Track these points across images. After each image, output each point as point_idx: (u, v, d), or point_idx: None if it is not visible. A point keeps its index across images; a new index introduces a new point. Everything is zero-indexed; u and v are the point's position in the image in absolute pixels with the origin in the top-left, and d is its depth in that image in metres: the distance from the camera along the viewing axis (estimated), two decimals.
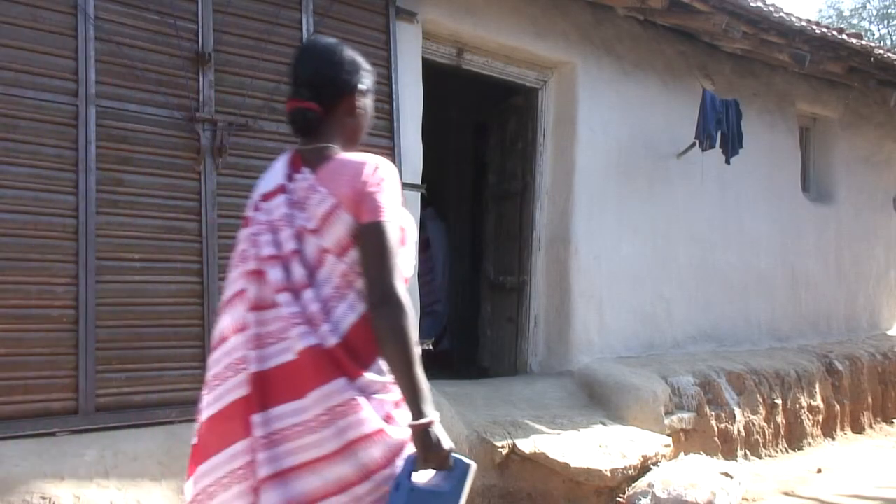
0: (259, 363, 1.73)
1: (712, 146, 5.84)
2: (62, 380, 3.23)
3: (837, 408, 6.56)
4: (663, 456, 4.39)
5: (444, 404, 4.18)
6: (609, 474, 3.98)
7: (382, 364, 1.74)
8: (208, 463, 1.78)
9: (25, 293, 3.18)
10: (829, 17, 24.85)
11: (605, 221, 5.58)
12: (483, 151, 6.53)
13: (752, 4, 5.57)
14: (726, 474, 4.22)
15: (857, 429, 6.75)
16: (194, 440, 1.85)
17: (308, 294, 1.73)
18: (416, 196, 4.53)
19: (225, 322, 1.82)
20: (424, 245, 6.62)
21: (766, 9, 5.73)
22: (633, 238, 5.78)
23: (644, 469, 4.20)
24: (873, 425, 6.94)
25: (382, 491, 1.65)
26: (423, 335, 4.89)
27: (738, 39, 5.90)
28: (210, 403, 1.81)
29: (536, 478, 4.04)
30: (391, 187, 1.79)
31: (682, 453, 4.73)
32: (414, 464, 1.65)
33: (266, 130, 3.84)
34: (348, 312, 1.75)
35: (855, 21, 24.60)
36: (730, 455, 5.37)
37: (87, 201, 3.33)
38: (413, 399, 1.67)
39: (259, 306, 1.76)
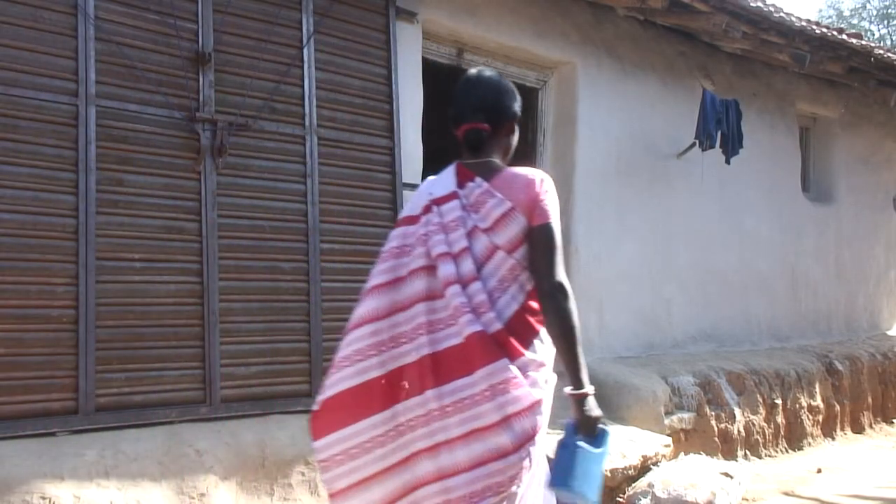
0: (431, 346, 2.01)
1: (712, 146, 5.84)
2: (62, 380, 3.23)
3: (837, 408, 6.56)
4: (663, 456, 4.39)
5: None
6: (609, 474, 3.97)
7: (537, 345, 2.05)
8: (350, 428, 2.05)
9: (25, 293, 3.19)
10: (829, 17, 24.85)
11: (605, 221, 5.58)
12: None
13: (752, 4, 5.57)
14: (726, 474, 4.22)
15: (857, 429, 6.75)
16: (317, 407, 2.10)
17: (475, 286, 2.03)
18: None
19: (367, 307, 2.11)
20: None
21: (766, 9, 5.73)
22: (633, 238, 5.78)
23: (644, 469, 4.20)
24: (873, 425, 6.95)
25: (530, 457, 1.96)
26: None
27: (738, 39, 5.90)
28: (347, 377, 2.06)
29: None
30: (554, 196, 2.18)
31: (682, 453, 4.73)
32: (575, 427, 2.02)
33: (266, 130, 3.84)
34: (511, 302, 2.05)
35: (855, 21, 24.60)
36: (730, 455, 5.37)
37: (87, 201, 3.33)
38: (574, 372, 2.01)
39: (430, 297, 2.05)
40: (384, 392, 2.05)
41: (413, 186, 4.47)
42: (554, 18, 5.36)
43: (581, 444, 2.00)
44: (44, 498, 2.81)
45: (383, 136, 4.24)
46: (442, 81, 5.35)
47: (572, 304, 2.03)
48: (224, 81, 3.74)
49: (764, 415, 5.80)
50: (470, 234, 2.08)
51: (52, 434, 3.15)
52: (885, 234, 8.34)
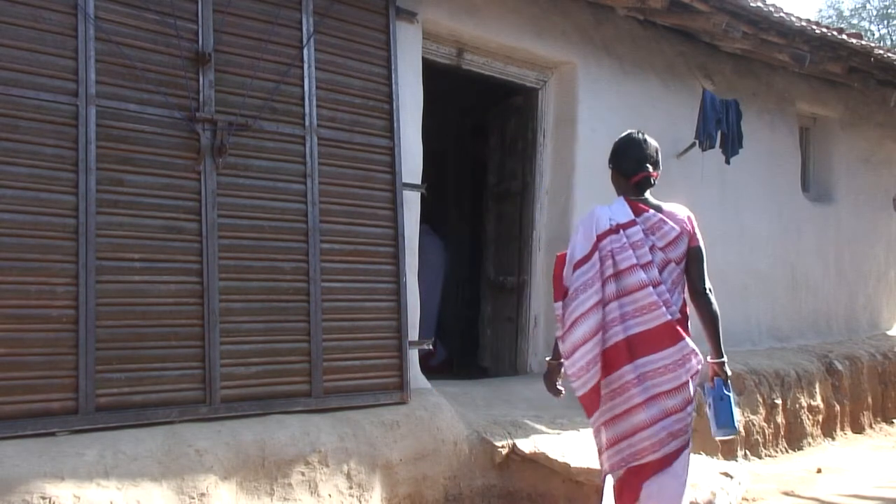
0: (624, 332, 2.91)
1: (712, 146, 5.84)
2: (62, 380, 3.23)
3: (837, 408, 6.56)
4: None
5: (445, 404, 4.19)
6: None
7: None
8: (611, 376, 2.95)
9: (25, 293, 3.18)
10: (829, 17, 24.85)
11: None
12: (483, 151, 6.53)
13: (752, 4, 5.57)
14: (726, 474, 4.22)
15: (857, 429, 6.75)
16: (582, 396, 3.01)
17: (661, 288, 2.94)
18: (416, 196, 4.53)
19: (586, 327, 2.93)
20: None
21: (766, 9, 5.73)
22: None
23: None
24: (873, 425, 6.95)
25: (690, 407, 2.98)
26: (425, 335, 4.89)
27: (738, 39, 5.90)
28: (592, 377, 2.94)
29: (536, 478, 4.04)
30: (697, 225, 3.13)
31: None
32: (725, 384, 3.04)
33: (266, 130, 3.84)
34: (679, 300, 3.01)
35: (855, 21, 24.61)
36: (730, 455, 5.37)
37: (87, 201, 3.32)
38: (717, 346, 3.03)
39: (620, 296, 2.93)
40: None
41: (413, 186, 4.46)
42: (554, 18, 5.36)
43: (732, 394, 3.07)
44: (44, 498, 2.81)
45: (383, 136, 4.24)
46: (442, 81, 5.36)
47: (713, 301, 3.03)
48: (224, 81, 3.73)
49: (764, 415, 5.80)
50: (651, 250, 2.96)
51: (52, 434, 3.15)
52: (885, 234, 8.33)
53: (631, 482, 2.97)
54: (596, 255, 2.97)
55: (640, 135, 3.25)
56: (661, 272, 2.95)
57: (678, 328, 2.93)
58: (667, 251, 2.99)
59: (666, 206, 3.11)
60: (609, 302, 2.94)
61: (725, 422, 3.05)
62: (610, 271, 2.95)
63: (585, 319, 2.91)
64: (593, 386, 2.92)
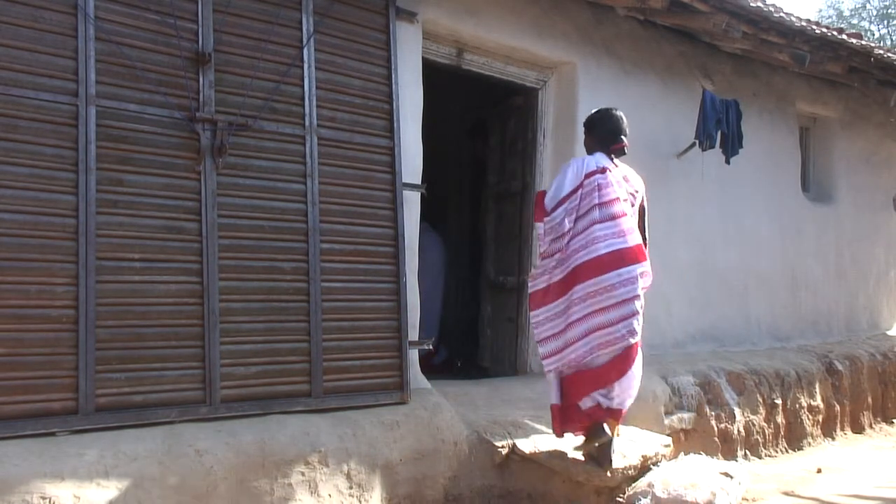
0: (607, 248, 3.80)
1: (712, 146, 5.84)
2: (62, 380, 3.23)
3: (837, 408, 6.56)
4: (663, 456, 4.39)
5: (445, 404, 4.19)
6: (609, 474, 3.97)
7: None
8: (592, 280, 3.83)
9: (25, 293, 3.18)
10: (829, 17, 24.86)
11: None
12: (483, 151, 6.53)
13: (752, 4, 5.57)
14: (726, 474, 4.22)
15: (857, 429, 6.75)
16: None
17: (632, 220, 3.91)
18: (416, 196, 4.53)
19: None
20: None
21: (766, 9, 5.73)
22: None
23: (644, 469, 4.20)
24: (873, 425, 6.95)
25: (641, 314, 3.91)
26: (427, 333, 4.90)
27: (738, 39, 5.90)
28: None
29: (536, 478, 4.04)
30: None
31: (682, 453, 4.73)
32: None
33: (266, 130, 3.84)
34: (638, 234, 3.93)
35: (855, 21, 24.61)
36: (730, 455, 5.38)
37: (87, 201, 3.33)
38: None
39: (604, 220, 3.82)
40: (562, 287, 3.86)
41: (413, 186, 4.47)
42: (554, 18, 5.36)
43: None
44: (44, 498, 2.81)
45: (383, 136, 4.24)
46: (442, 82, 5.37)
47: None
48: (224, 81, 3.74)
49: (764, 415, 5.80)
50: (624, 192, 3.91)
51: (52, 434, 3.15)
52: (885, 234, 8.33)
53: (589, 377, 3.82)
54: (580, 191, 3.85)
55: (616, 111, 4.09)
56: (631, 210, 3.93)
57: (644, 249, 3.92)
58: (632, 198, 3.98)
59: (629, 169, 4.09)
60: (592, 225, 3.81)
61: None
62: (596, 201, 3.83)
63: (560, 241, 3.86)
64: (542, 287, 3.91)
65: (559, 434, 3.99)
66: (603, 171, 3.88)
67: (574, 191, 3.84)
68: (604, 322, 3.74)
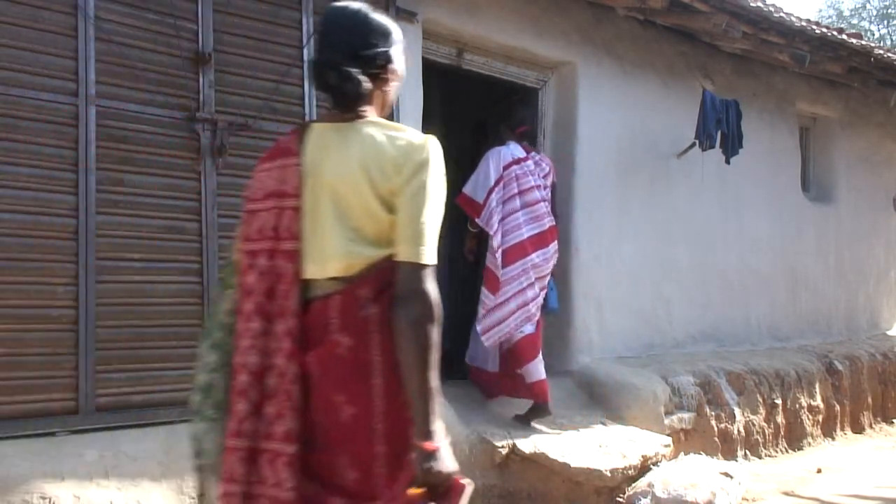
0: (528, 233, 4.44)
1: (712, 146, 5.83)
2: (62, 380, 3.23)
3: (837, 408, 6.56)
4: (663, 456, 4.39)
5: (444, 404, 4.18)
6: (609, 474, 3.98)
7: None
8: (515, 264, 4.44)
9: (25, 293, 3.18)
10: (829, 17, 24.85)
11: (604, 221, 5.58)
12: (483, 151, 6.51)
13: (752, 4, 5.57)
14: (726, 474, 4.22)
15: (857, 429, 6.75)
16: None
17: (546, 204, 4.52)
18: None
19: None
20: None
21: (766, 9, 5.73)
22: (633, 238, 5.78)
23: (644, 469, 4.20)
24: (873, 425, 6.95)
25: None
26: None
27: (738, 39, 5.90)
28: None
29: (536, 478, 4.04)
30: None
31: (682, 453, 4.73)
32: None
33: (266, 130, 3.84)
34: (551, 217, 4.59)
35: (855, 21, 24.60)
36: (730, 455, 5.38)
37: (87, 201, 3.32)
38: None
39: (524, 207, 4.45)
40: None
41: None
42: (554, 18, 5.36)
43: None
44: (44, 498, 2.81)
45: None
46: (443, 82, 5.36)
47: None
48: (224, 81, 3.73)
49: (764, 415, 5.80)
50: (539, 177, 4.50)
51: (52, 434, 3.15)
52: (885, 234, 8.33)
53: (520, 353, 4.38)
54: (501, 182, 4.36)
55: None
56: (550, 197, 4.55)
57: (557, 230, 4.55)
58: (545, 180, 4.55)
59: (538, 152, 4.70)
60: (514, 212, 4.37)
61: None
62: (515, 190, 4.38)
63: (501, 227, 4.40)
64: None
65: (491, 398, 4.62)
66: (519, 161, 4.44)
67: (497, 182, 4.37)
68: (530, 297, 4.34)
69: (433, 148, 1.70)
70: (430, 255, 1.63)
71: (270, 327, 1.67)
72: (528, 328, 4.37)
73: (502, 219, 4.37)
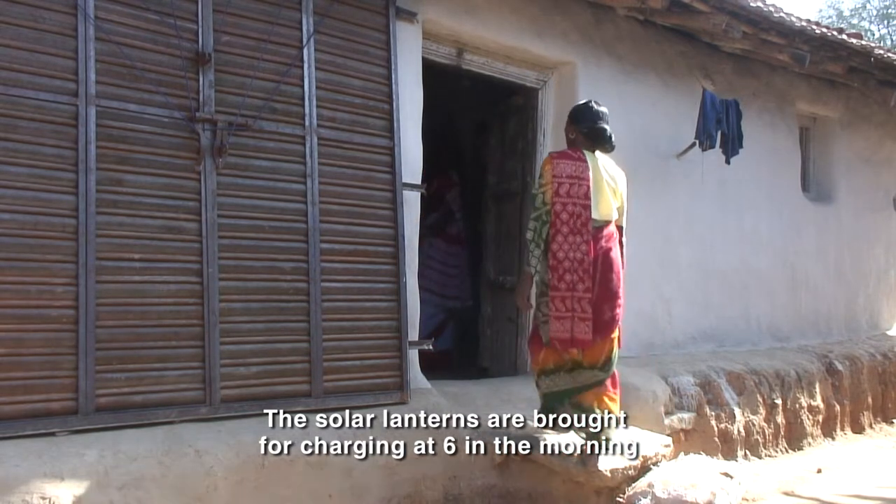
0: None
1: (712, 146, 5.83)
2: (62, 380, 3.23)
3: (837, 408, 6.55)
4: (663, 456, 4.38)
5: (445, 404, 4.18)
6: (609, 474, 3.97)
7: None
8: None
9: (25, 293, 3.19)
10: (829, 17, 24.85)
11: None
12: (483, 151, 6.53)
13: (752, 4, 5.57)
14: (726, 474, 4.22)
15: (857, 429, 6.75)
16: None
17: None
18: (415, 196, 4.53)
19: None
20: (455, 238, 7.03)
21: (766, 9, 5.73)
22: (633, 238, 5.73)
23: (644, 469, 4.20)
24: (873, 425, 6.94)
25: None
26: (424, 330, 4.92)
27: (738, 39, 5.90)
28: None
29: (536, 478, 4.04)
30: None
31: (682, 453, 4.73)
32: None
33: (266, 130, 3.84)
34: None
35: (855, 21, 24.60)
36: (730, 455, 5.37)
37: (87, 201, 3.33)
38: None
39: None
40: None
41: (413, 186, 4.46)
42: (554, 18, 5.36)
43: None
44: (44, 498, 2.81)
45: (383, 136, 4.24)
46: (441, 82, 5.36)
47: None
48: (224, 81, 3.74)
49: (764, 415, 5.80)
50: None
51: (52, 434, 3.15)
52: (885, 234, 8.33)
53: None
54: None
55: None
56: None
57: None
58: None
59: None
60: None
61: None
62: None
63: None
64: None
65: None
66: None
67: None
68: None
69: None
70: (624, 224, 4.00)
71: (577, 239, 3.72)
72: None
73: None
